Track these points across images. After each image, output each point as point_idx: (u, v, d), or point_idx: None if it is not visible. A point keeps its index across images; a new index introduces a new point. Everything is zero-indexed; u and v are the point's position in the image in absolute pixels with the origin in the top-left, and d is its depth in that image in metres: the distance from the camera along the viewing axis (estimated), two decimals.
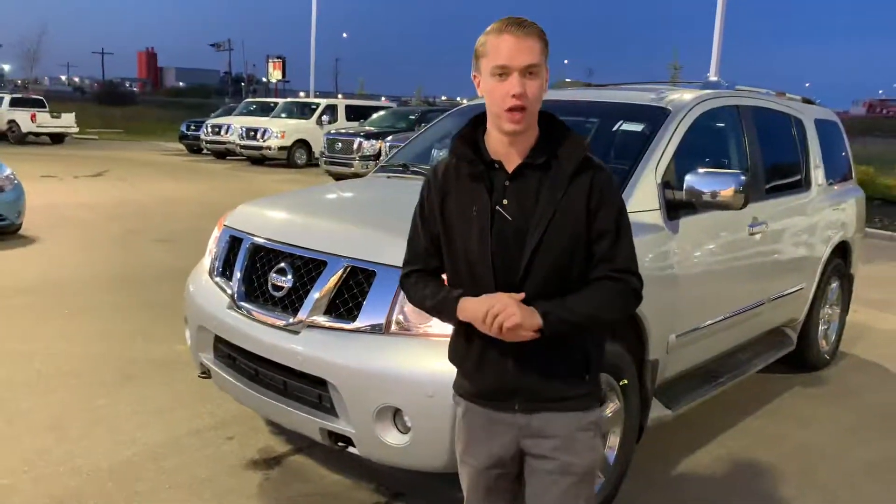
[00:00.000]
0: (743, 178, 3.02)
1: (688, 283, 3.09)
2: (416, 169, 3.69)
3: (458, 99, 35.47)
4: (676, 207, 3.05)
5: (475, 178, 1.61)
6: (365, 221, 2.92)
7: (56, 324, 4.90)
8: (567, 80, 4.29)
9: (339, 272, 2.53)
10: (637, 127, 3.44)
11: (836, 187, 4.71)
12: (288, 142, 17.79)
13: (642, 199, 2.94)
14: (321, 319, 2.53)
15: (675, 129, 3.25)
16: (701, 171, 3.04)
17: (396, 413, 2.38)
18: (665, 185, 3.05)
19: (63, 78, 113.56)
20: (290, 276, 2.65)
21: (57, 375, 3.98)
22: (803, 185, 4.33)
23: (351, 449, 2.50)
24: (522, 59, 1.51)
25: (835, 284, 4.75)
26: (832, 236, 4.55)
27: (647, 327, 2.79)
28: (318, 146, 16.40)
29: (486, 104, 1.59)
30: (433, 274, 1.72)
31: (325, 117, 18.32)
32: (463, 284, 1.63)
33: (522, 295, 1.54)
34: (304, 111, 19.09)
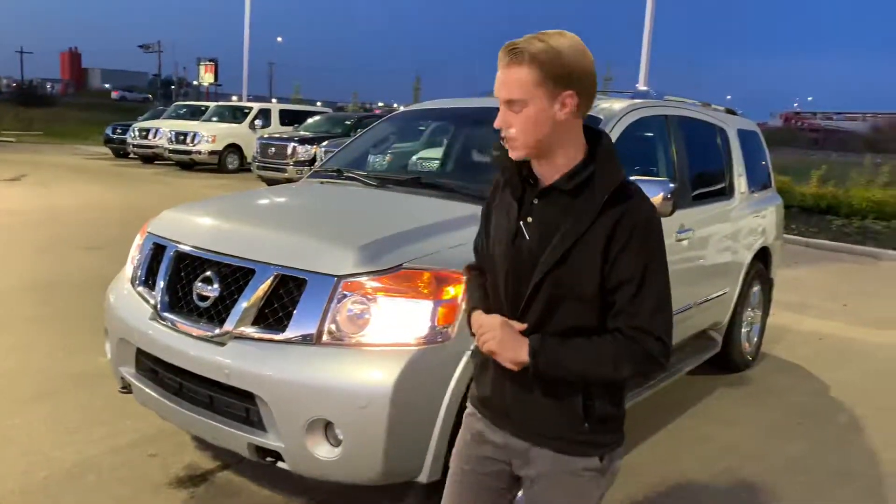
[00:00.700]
0: (671, 185, 3.09)
1: None
2: (350, 174, 3.63)
3: (395, 105, 35.39)
4: None
5: (513, 191, 1.56)
6: (296, 228, 2.84)
7: None
8: None
9: (268, 281, 2.45)
10: None
11: (757, 195, 4.90)
12: (219, 146, 17.32)
13: None
14: (249, 330, 2.44)
15: None
16: (630, 178, 3.09)
17: (328, 426, 2.32)
18: None
19: None
20: (216, 286, 2.55)
21: None
22: (727, 192, 4.48)
23: (280, 464, 2.42)
24: (503, 93, 1.46)
25: (756, 288, 4.94)
26: (754, 242, 4.73)
27: None
28: (250, 151, 16.02)
29: None
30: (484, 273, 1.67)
31: (258, 122, 17.94)
32: (491, 288, 1.61)
33: (524, 326, 1.49)
34: (236, 115, 18.63)
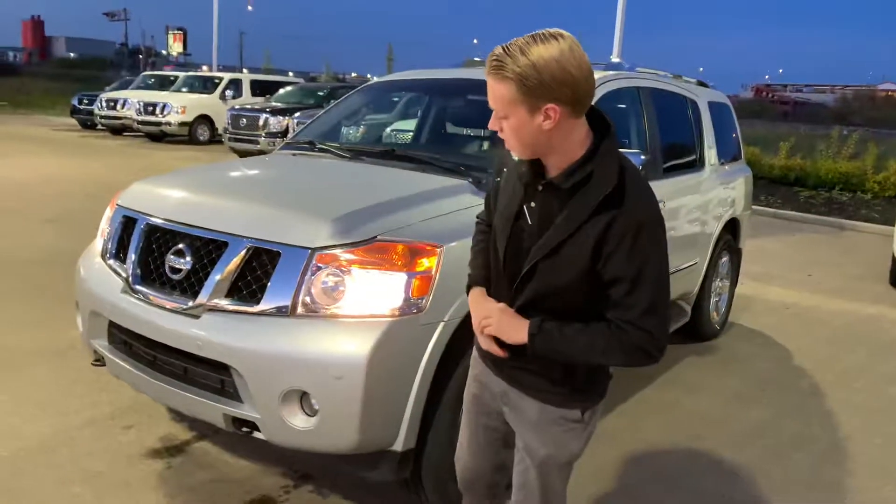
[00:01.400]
0: (643, 157, 3.13)
1: None
2: (322, 146, 3.60)
3: (368, 76, 34.96)
4: None
5: (521, 176, 1.60)
6: (269, 200, 2.82)
7: None
8: (475, 58, 4.29)
9: (242, 253, 2.44)
10: None
11: (727, 167, 4.98)
12: (189, 117, 16.99)
13: None
14: (223, 303, 2.44)
15: None
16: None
17: (303, 396, 2.34)
18: None
19: None
20: (188, 258, 2.54)
21: None
22: (698, 164, 4.55)
23: (256, 434, 2.44)
24: (491, 103, 1.49)
25: (725, 259, 5.04)
26: (723, 213, 4.81)
27: None
28: (221, 122, 15.76)
29: None
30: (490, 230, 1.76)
31: (228, 92, 17.61)
32: (493, 259, 1.70)
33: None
34: (206, 85, 18.25)
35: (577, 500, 2.85)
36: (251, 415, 2.39)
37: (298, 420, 2.34)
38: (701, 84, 5.04)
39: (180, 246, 2.58)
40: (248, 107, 14.72)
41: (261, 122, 13.76)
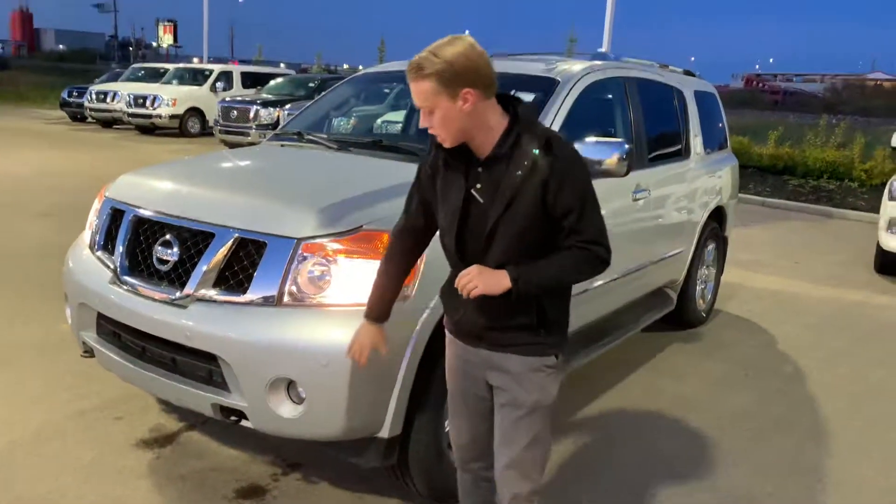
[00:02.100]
0: (626, 146, 3.15)
1: None
2: (311, 137, 3.62)
3: (360, 67, 34.83)
4: None
5: (457, 168, 1.83)
6: (255, 191, 2.84)
7: None
8: None
9: (228, 244, 2.47)
10: (527, 97, 3.51)
11: (713, 156, 5.02)
12: (180, 110, 16.90)
13: None
14: (210, 293, 2.47)
15: (564, 99, 3.36)
16: (587, 139, 3.15)
17: (290, 384, 2.37)
18: None
19: None
20: (176, 249, 2.56)
21: None
22: (683, 153, 4.58)
23: (244, 423, 2.47)
24: (418, 102, 1.76)
25: (711, 247, 5.09)
26: (709, 202, 4.86)
27: None
28: (212, 114, 15.66)
29: None
30: (411, 232, 2.01)
31: (219, 84, 17.52)
32: (444, 250, 1.91)
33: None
34: (197, 78, 18.14)
35: (561, 484, 2.90)
36: (239, 403, 2.42)
37: (286, 408, 2.38)
38: (688, 73, 5.07)
39: (168, 237, 2.60)
40: (239, 98, 14.67)
41: (251, 114, 13.72)
